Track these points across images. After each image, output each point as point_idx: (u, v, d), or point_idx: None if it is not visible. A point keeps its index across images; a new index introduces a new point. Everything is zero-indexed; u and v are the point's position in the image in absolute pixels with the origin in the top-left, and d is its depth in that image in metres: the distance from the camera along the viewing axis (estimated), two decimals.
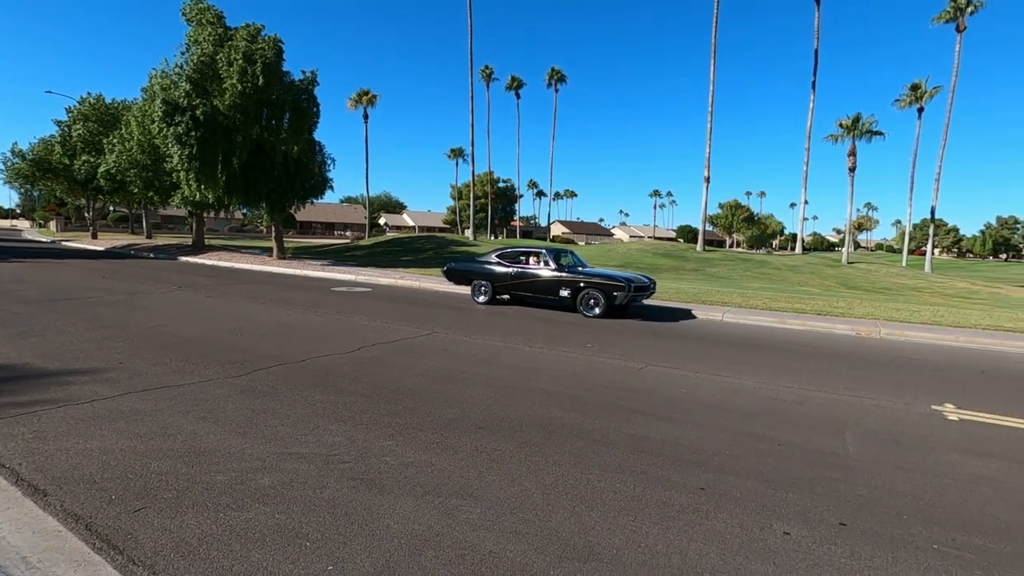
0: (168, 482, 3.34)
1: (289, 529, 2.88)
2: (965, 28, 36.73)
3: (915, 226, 58.16)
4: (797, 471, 3.89)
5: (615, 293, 10.97)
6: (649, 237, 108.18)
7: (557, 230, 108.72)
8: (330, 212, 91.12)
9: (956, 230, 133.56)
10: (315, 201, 26.93)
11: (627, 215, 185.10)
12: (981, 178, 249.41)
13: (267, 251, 26.81)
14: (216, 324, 8.74)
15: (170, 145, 20.16)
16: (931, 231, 40.50)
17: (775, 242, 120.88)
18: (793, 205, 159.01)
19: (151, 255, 26.58)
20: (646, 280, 12.15)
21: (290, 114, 22.01)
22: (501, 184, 79.29)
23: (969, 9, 36.06)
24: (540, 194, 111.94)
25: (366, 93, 51.67)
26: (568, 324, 10.25)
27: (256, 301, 11.71)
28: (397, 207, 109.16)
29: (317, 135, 24.05)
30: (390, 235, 60.84)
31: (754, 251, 75.67)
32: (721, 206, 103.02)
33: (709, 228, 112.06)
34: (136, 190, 27.43)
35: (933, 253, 41.89)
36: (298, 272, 19.77)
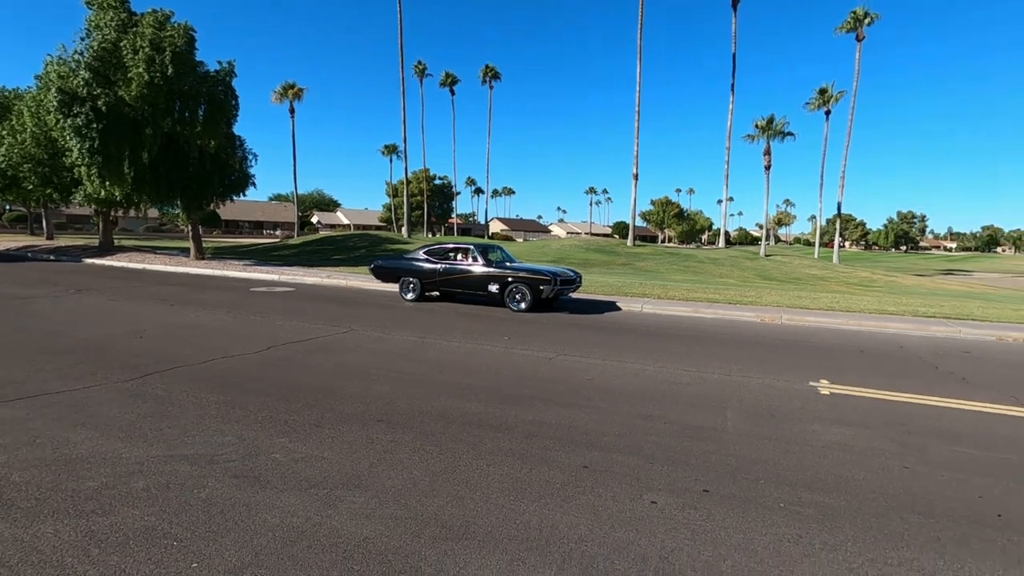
0: (27, 492, 3.15)
1: (157, 531, 2.80)
2: (864, 38, 39.89)
3: (828, 221, 62.73)
4: (677, 446, 4.16)
5: (541, 287, 11.14)
6: (586, 234, 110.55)
7: (496, 227, 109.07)
8: (258, 210, 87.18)
9: (863, 224, 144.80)
10: (237, 198, 25.66)
11: (565, 212, 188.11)
12: (886, 175, 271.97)
13: (185, 251, 25.33)
14: (115, 328, 8.22)
15: (68, 138, 18.65)
16: (837, 226, 43.78)
17: (704, 237, 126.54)
18: (720, 202, 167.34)
19: (51, 257, 24.47)
20: (572, 274, 12.41)
21: (206, 106, 20.85)
22: (438, 181, 78.64)
23: (867, 20, 39.17)
24: (478, 191, 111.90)
25: (292, 86, 49.73)
26: (492, 319, 10.37)
27: (164, 303, 11.09)
28: (331, 205, 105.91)
29: (239, 129, 23.04)
30: (323, 233, 59.00)
31: (684, 246, 79.06)
32: (653, 203, 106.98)
33: (643, 224, 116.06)
34: (31, 187, 25.16)
35: (843, 246, 45.36)
36: (217, 273, 18.84)
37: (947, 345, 9.05)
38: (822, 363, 7.33)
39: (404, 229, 44.85)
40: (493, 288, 11.63)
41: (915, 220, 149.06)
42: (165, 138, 20.46)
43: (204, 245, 26.09)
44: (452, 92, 63.58)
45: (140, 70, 18.65)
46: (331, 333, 8.31)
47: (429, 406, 4.96)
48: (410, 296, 12.63)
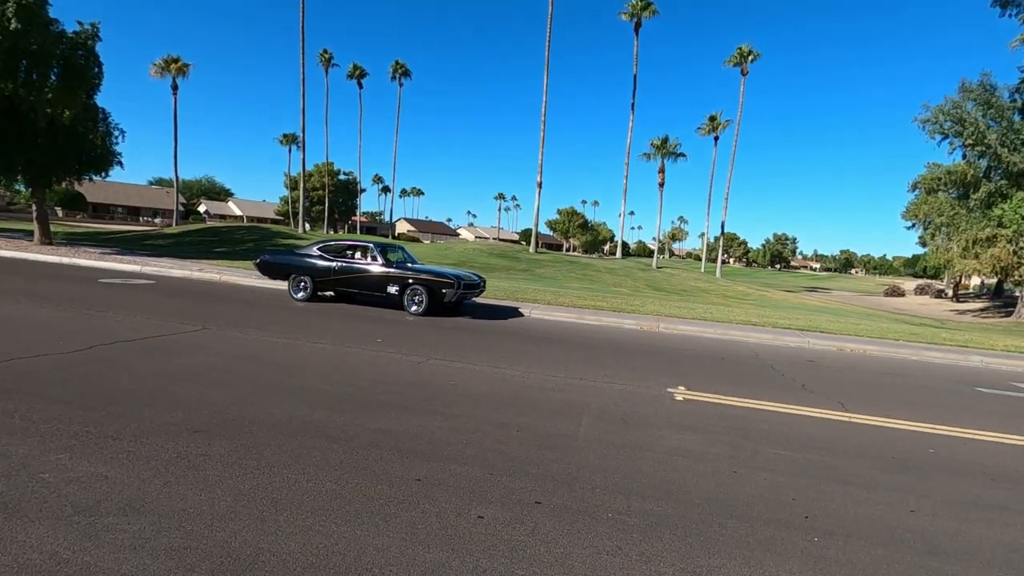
0: None
1: None
2: (748, 73, 43.73)
3: (716, 238, 68.39)
4: (522, 455, 4.03)
5: (444, 290, 10.71)
6: (494, 239, 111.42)
7: (403, 227, 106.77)
8: (135, 194, 78.63)
9: (746, 243, 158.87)
10: (99, 178, 22.83)
11: (475, 216, 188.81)
12: (766, 199, 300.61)
13: (30, 235, 22.02)
14: None
15: None
16: (720, 243, 47.43)
17: (607, 247, 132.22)
18: (620, 215, 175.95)
19: None
20: (476, 278, 12.12)
21: (59, 71, 18.32)
22: (343, 176, 75.45)
23: (750, 57, 42.98)
24: (385, 190, 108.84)
25: (175, 60, 45.26)
26: (382, 321, 9.88)
27: None
28: (222, 194, 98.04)
29: (113, 103, 20.46)
30: (209, 223, 54.36)
31: (587, 255, 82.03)
32: (559, 212, 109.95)
33: (549, 232, 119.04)
34: None
35: (727, 262, 49.21)
36: (64, 260, 16.51)
37: (796, 354, 9.89)
38: (684, 370, 7.67)
39: (300, 224, 42.39)
40: (392, 289, 11.05)
41: (788, 241, 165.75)
42: (6, 103, 17.70)
43: (64, 229, 22.94)
44: (360, 85, 61.45)
45: None
46: (178, 332, 7.42)
47: (266, 414, 4.47)
48: (300, 295, 11.68)
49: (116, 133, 21.62)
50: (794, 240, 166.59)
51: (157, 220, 74.11)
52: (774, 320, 13.93)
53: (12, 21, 16.29)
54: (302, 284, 11.72)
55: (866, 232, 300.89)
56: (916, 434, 5.39)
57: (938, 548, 3.14)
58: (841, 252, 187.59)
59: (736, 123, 44.68)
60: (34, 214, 20.72)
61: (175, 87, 46.41)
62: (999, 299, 47.43)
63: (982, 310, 42.54)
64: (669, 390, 6.30)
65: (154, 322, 7.96)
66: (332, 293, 12.11)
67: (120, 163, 21.96)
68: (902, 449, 4.87)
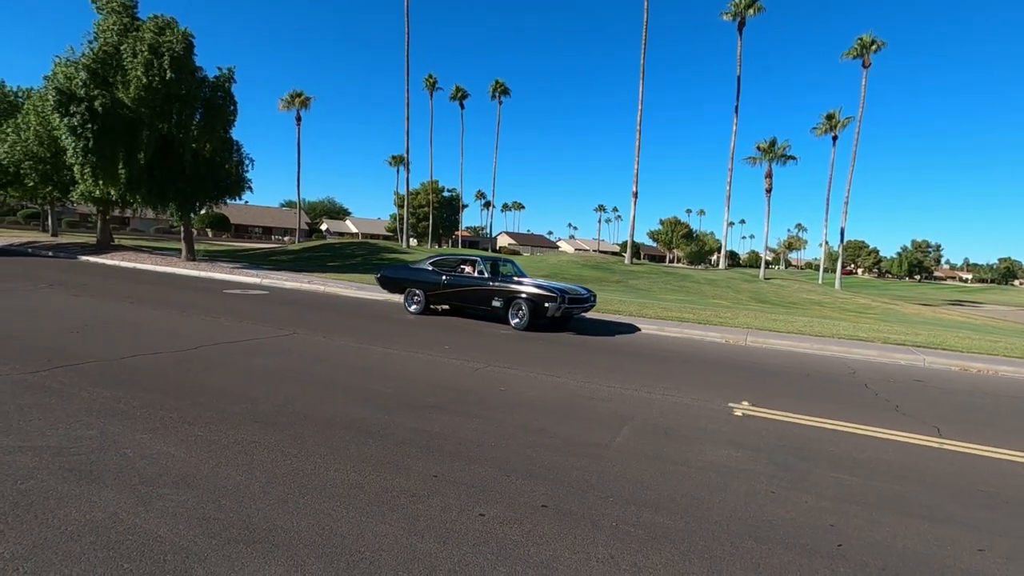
0: None
1: None
2: (870, 64, 39.73)
3: (838, 247, 62.05)
4: (545, 460, 4.05)
5: (547, 304, 10.41)
6: (594, 251, 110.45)
7: (504, 241, 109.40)
8: (268, 216, 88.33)
9: (876, 251, 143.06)
10: (233, 201, 26.09)
11: (576, 229, 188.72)
12: (900, 203, 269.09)
13: (179, 252, 25.63)
14: (57, 322, 8.28)
15: (64, 137, 19.06)
16: (840, 252, 43.26)
17: (714, 258, 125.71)
18: (732, 224, 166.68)
19: (49, 253, 24.90)
20: (584, 292, 11.64)
21: (203, 110, 21.29)
22: (446, 193, 79.16)
23: (873, 47, 39.05)
24: (487, 205, 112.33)
25: (299, 95, 50.62)
26: (470, 332, 10.29)
27: (128, 301, 11.18)
28: (340, 213, 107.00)
29: (243, 135, 23.44)
30: (330, 240, 59.54)
31: (692, 267, 78.56)
32: (661, 222, 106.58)
33: (652, 244, 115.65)
34: (31, 183, 25.73)
35: (854, 272, 44.76)
36: (201, 274, 19.02)
37: (902, 373, 8.81)
38: (756, 385, 7.16)
39: (404, 239, 45.07)
40: (496, 303, 10.96)
41: (930, 249, 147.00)
42: (161, 141, 20.84)
43: (208, 248, 26.44)
44: (462, 106, 64.30)
45: (138, 73, 19.09)
46: (273, 336, 8.29)
47: (320, 409, 4.89)
48: (413, 308, 11.95)
49: (247, 162, 24.60)
50: (937, 248, 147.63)
51: (286, 238, 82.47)
52: (886, 335, 12.47)
53: (167, 72, 19.24)
54: (415, 297, 11.98)
55: None
56: (1022, 466, 4.61)
57: None
58: (1000, 261, 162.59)
59: (858, 120, 40.72)
60: (181, 234, 24.09)
61: (299, 118, 51.91)
62: None
63: None
64: (730, 405, 5.94)
65: (255, 327, 8.96)
66: (447, 307, 12.20)
67: (250, 188, 24.89)
68: (996, 483, 4.20)
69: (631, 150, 37.13)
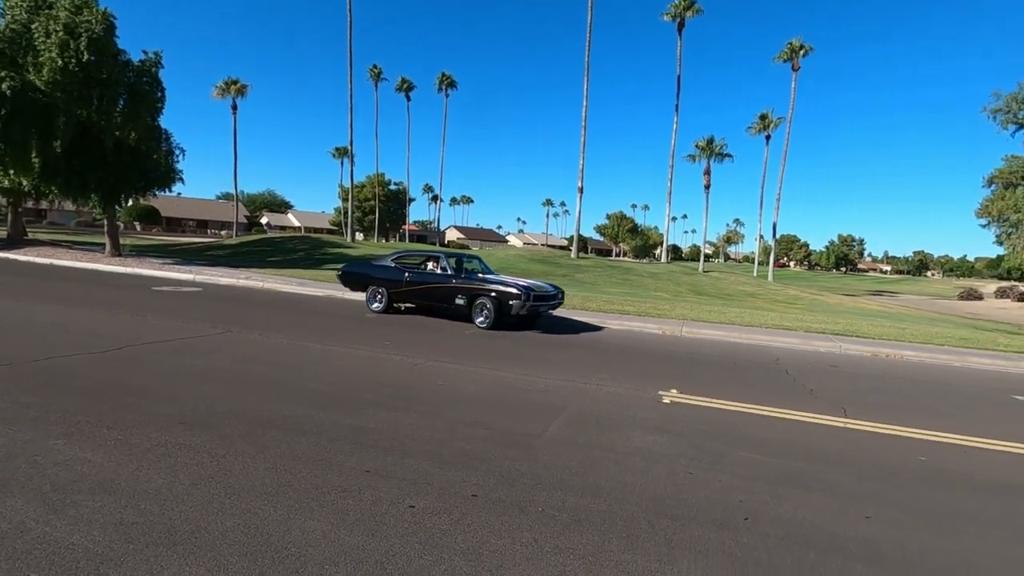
0: None
1: None
2: (799, 68, 42.00)
3: (775, 240, 65.52)
4: (480, 451, 4.15)
5: (511, 302, 9.97)
6: (543, 245, 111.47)
7: (452, 235, 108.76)
8: (203, 209, 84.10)
9: (807, 245, 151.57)
10: (162, 193, 24.74)
11: (524, 223, 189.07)
12: (829, 199, 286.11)
13: (103, 247, 24.07)
14: None
15: None
16: (773, 246, 45.54)
17: (658, 252, 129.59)
18: (674, 219, 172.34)
19: None
20: (551, 289, 11.25)
21: (127, 96, 20.01)
22: (393, 187, 77.86)
23: (802, 52, 41.27)
24: (435, 199, 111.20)
25: (235, 82, 48.34)
26: (426, 330, 10.22)
27: (43, 300, 10.48)
28: (282, 206, 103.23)
29: (176, 125, 22.16)
30: (271, 234, 57.39)
31: (637, 260, 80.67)
32: (608, 217, 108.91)
33: (599, 238, 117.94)
34: None
35: (787, 265, 47.22)
36: (128, 271, 17.96)
37: (820, 359, 9.48)
38: (686, 373, 7.54)
39: (349, 233, 44.05)
40: (460, 301, 10.54)
41: (854, 243, 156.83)
42: (80, 127, 19.45)
43: (136, 242, 24.97)
44: (408, 98, 63.32)
45: (52, 55, 17.72)
46: (204, 334, 8.00)
47: (251, 409, 4.80)
48: (375, 306, 11.42)
49: (178, 152, 23.33)
50: (861, 241, 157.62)
51: (223, 232, 78.83)
52: (809, 324, 13.34)
53: (85, 54, 17.96)
54: (378, 295, 11.48)
55: (944, 232, 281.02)
56: (914, 442, 5.11)
57: (878, 556, 3.03)
58: (915, 254, 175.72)
59: (788, 121, 43.01)
60: (105, 228, 22.64)
61: (234, 107, 49.56)
62: None
63: None
64: (660, 393, 6.24)
65: (187, 325, 8.60)
66: (412, 305, 11.75)
67: (181, 180, 23.65)
68: (889, 457, 4.64)
69: (578, 145, 37.67)
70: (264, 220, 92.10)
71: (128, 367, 5.93)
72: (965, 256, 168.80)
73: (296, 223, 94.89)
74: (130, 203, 23.05)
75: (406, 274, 11.31)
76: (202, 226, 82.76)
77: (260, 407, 4.87)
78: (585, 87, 37.62)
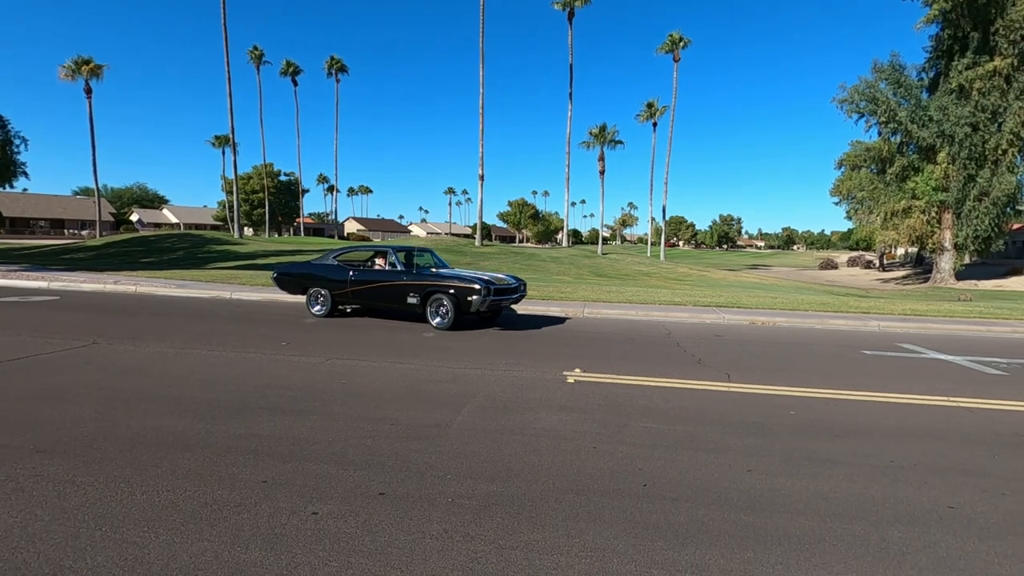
0: None
1: None
2: (680, 59, 44.80)
3: (666, 222, 70.34)
4: (386, 448, 4.05)
5: (470, 298, 9.08)
6: (447, 234, 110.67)
7: (352, 227, 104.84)
8: (57, 206, 74.09)
9: (693, 226, 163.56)
10: (6, 190, 21.38)
11: (427, 212, 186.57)
12: (711, 181, 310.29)
13: None
14: None
15: None
16: (663, 227, 48.62)
17: (559, 237, 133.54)
18: (574, 204, 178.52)
19: None
20: (513, 281, 10.36)
21: None
22: (284, 177, 73.38)
23: (681, 44, 44.03)
24: (331, 189, 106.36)
25: (87, 62, 42.48)
26: (354, 329, 9.65)
27: None
28: (156, 201, 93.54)
29: (16, 112, 19.10)
30: (144, 232, 51.85)
31: (540, 246, 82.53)
32: (510, 204, 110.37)
33: (502, 225, 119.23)
34: None
35: (678, 244, 50.49)
36: None
37: (708, 330, 10.29)
38: (589, 352, 7.86)
39: (236, 228, 40.85)
40: (412, 300, 9.65)
41: (733, 222, 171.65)
42: None
43: None
44: (295, 82, 59.65)
45: None
46: (63, 348, 7.07)
47: (126, 427, 4.32)
48: (317, 309, 10.45)
49: (18, 142, 20.29)
50: (739, 221, 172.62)
51: (84, 232, 70.03)
52: (696, 299, 14.42)
53: None
54: (320, 298, 10.49)
55: (806, 210, 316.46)
56: (785, 398, 5.71)
57: (758, 504, 3.35)
58: (783, 230, 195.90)
59: (672, 109, 45.89)
60: None
61: (88, 90, 43.65)
62: (920, 266, 50.63)
63: (904, 277, 45.32)
64: (565, 373, 6.45)
65: (41, 340, 7.55)
66: (359, 306, 10.80)
67: (25, 173, 20.70)
68: (765, 414, 5.15)
69: (477, 133, 37.62)
70: (135, 217, 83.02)
71: None
72: (824, 231, 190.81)
73: (174, 219, 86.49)
74: None
75: (350, 272, 10.37)
76: (57, 226, 72.92)
77: (136, 424, 4.39)
78: (481, 75, 37.64)
